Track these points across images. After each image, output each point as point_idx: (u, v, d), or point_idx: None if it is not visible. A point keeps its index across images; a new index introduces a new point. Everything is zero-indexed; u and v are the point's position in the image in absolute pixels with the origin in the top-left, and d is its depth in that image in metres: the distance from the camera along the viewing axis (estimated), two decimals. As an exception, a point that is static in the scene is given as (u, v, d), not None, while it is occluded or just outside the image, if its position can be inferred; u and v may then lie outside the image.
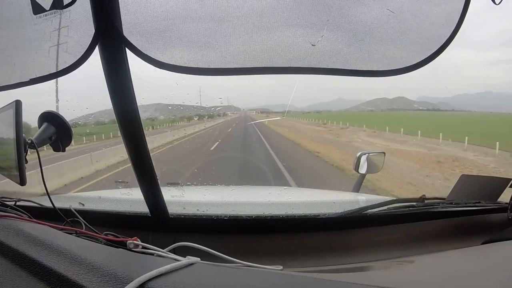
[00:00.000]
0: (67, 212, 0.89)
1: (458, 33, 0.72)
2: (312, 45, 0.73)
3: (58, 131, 0.88)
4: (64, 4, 0.73)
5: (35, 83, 0.84)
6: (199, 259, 0.65)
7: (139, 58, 0.74)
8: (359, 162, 1.69)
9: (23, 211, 0.80)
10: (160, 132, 13.55)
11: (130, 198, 1.23)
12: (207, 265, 0.67)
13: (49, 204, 0.88)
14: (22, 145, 0.74)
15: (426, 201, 1.07)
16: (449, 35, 0.72)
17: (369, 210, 1.02)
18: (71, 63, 0.77)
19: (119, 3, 0.71)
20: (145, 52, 0.74)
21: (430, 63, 0.74)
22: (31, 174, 0.78)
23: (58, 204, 0.88)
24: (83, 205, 1.07)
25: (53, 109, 0.90)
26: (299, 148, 12.27)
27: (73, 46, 0.77)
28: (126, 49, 0.74)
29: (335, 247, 1.00)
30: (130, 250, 0.72)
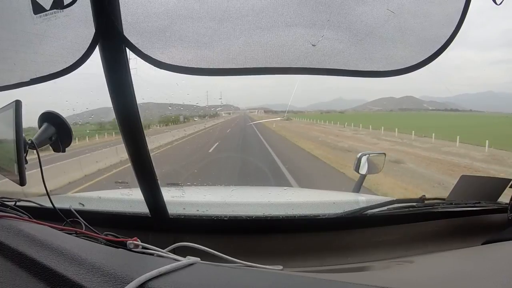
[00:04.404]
0: (67, 213, 0.89)
1: (459, 33, 0.71)
2: (313, 45, 0.72)
3: (58, 131, 0.88)
4: (65, 4, 0.73)
5: (35, 83, 0.84)
6: (199, 259, 0.65)
7: (139, 58, 0.74)
8: (360, 162, 1.69)
9: (23, 211, 0.80)
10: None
11: (130, 198, 1.23)
12: (207, 265, 0.67)
13: (49, 205, 0.88)
14: (22, 145, 0.74)
15: (426, 202, 1.07)
16: (449, 35, 0.72)
17: (369, 211, 1.02)
18: (71, 63, 0.77)
19: (119, 3, 0.71)
20: (145, 52, 0.74)
21: (431, 63, 0.74)
22: (31, 174, 0.78)
23: (58, 205, 0.88)
24: (83, 205, 1.07)
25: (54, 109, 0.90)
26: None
27: (74, 46, 0.76)
28: (127, 49, 0.74)
29: (335, 247, 1.00)
30: (130, 250, 0.71)
